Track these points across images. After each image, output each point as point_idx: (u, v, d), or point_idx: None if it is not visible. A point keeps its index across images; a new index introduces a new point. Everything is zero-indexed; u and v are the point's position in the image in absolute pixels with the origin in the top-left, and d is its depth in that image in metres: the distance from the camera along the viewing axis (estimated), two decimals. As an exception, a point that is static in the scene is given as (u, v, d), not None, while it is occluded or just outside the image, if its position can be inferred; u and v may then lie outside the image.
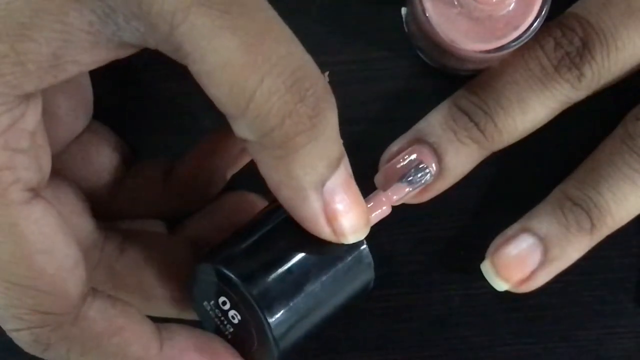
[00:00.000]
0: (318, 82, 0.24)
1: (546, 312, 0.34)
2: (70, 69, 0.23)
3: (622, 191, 0.31)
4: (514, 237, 0.32)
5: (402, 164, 0.31)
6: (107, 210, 0.31)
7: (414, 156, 0.31)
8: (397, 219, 0.33)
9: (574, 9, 0.31)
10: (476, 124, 0.31)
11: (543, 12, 0.29)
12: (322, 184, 0.25)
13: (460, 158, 0.31)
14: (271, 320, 0.26)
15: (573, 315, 0.34)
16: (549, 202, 0.32)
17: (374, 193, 0.29)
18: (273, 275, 0.26)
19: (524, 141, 0.32)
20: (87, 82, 0.30)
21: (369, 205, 0.28)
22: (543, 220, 0.31)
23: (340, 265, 0.27)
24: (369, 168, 0.34)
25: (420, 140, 0.31)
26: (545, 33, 0.30)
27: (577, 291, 0.34)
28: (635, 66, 0.31)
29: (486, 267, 0.32)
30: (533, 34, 0.29)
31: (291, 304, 0.26)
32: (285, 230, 0.27)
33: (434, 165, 0.31)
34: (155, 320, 0.27)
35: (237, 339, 0.28)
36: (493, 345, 0.34)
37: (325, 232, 0.26)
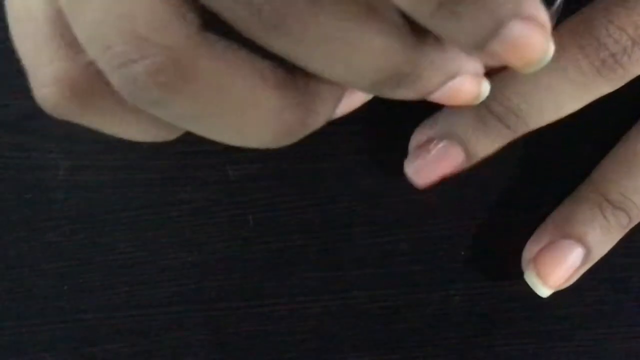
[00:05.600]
0: None
1: (546, 312, 0.34)
2: None
3: None
4: (555, 243, 0.31)
5: (432, 152, 0.31)
6: None
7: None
8: (397, 219, 0.33)
9: (618, 2, 0.29)
10: (508, 127, 0.30)
11: None
12: None
13: (488, 150, 0.31)
14: None
15: (573, 315, 0.34)
16: (587, 204, 0.31)
17: None
18: None
19: (524, 141, 0.32)
20: None
21: None
22: (585, 224, 0.31)
23: None
24: (369, 168, 0.34)
25: (449, 134, 0.31)
26: (587, 33, 0.29)
27: (577, 291, 0.34)
28: None
29: (531, 278, 0.32)
30: None
31: None
32: None
33: (462, 154, 0.31)
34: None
35: None
36: (493, 345, 0.34)
37: None
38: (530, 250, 0.32)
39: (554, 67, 0.29)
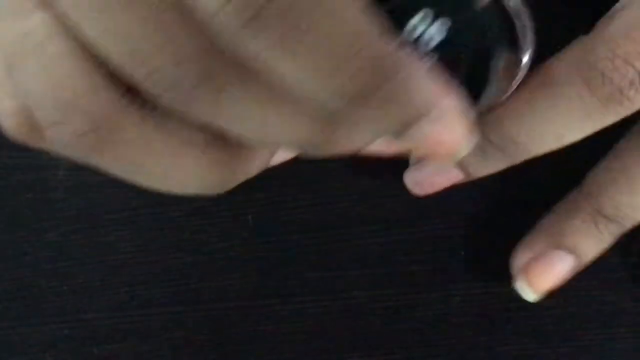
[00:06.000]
0: None
1: (546, 312, 0.34)
2: None
3: None
4: (547, 254, 0.32)
5: (431, 168, 0.31)
6: None
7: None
8: (397, 219, 0.33)
9: (627, 31, 0.27)
10: (508, 155, 0.30)
11: None
12: None
13: (488, 172, 0.31)
14: None
15: (573, 315, 0.34)
16: (581, 217, 0.31)
17: None
18: None
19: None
20: None
21: None
22: (578, 236, 0.31)
23: None
24: (369, 168, 0.34)
25: None
26: (591, 66, 0.27)
27: (577, 291, 0.34)
28: None
29: (522, 285, 0.32)
30: None
31: None
32: None
33: (460, 173, 0.31)
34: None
35: (440, 64, 0.25)
36: (493, 345, 0.34)
37: None
38: (521, 258, 0.32)
39: (557, 101, 0.28)
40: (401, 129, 0.21)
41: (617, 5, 0.29)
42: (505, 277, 0.33)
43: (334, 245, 0.34)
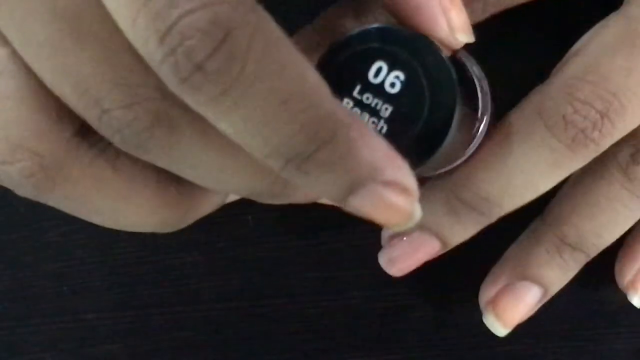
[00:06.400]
0: None
1: (546, 312, 0.34)
2: None
3: (622, 229, 0.30)
4: (513, 286, 0.31)
5: (406, 242, 0.31)
6: None
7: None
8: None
9: (584, 74, 0.27)
10: (482, 214, 0.29)
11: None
12: None
13: (464, 236, 0.30)
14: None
15: (573, 315, 0.34)
16: (544, 246, 0.31)
17: None
18: None
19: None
20: None
21: None
22: (542, 266, 0.31)
23: None
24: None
25: (421, 225, 0.29)
26: (552, 111, 0.27)
27: (577, 291, 0.34)
28: None
29: (490, 320, 0.32)
30: None
31: None
32: None
33: (437, 243, 0.30)
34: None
35: (399, 114, 0.25)
36: (493, 345, 0.34)
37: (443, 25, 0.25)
38: (487, 292, 0.32)
39: (523, 150, 0.28)
40: (344, 195, 0.21)
41: (571, 51, 0.29)
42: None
43: (334, 245, 0.34)
